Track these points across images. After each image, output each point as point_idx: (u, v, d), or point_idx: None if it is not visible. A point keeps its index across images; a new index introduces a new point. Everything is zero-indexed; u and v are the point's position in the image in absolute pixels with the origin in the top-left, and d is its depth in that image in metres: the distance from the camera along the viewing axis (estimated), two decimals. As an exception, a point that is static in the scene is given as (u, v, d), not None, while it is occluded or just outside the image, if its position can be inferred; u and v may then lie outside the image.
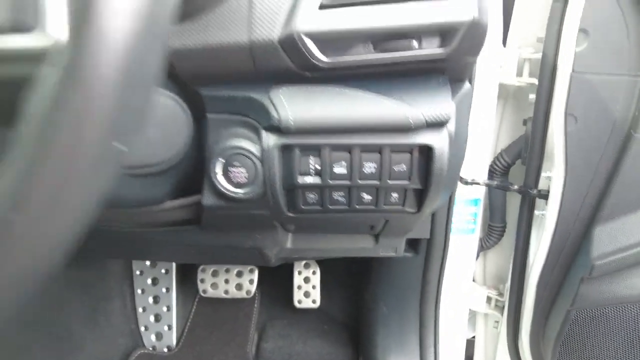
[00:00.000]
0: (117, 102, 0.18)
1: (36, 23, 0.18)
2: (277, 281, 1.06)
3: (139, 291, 1.12)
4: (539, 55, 0.71)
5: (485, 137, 0.78)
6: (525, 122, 0.78)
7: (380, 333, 0.91)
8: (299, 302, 1.02)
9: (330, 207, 0.51)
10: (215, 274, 1.03)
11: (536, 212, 0.74)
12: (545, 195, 0.71)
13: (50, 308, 0.88)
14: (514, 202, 0.85)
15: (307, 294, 1.02)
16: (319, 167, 0.47)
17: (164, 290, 1.11)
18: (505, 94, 0.80)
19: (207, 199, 0.51)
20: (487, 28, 0.44)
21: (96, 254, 0.83)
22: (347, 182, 0.48)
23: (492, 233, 0.88)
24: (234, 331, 1.09)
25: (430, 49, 0.44)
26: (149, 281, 1.12)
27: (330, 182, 0.48)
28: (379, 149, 0.46)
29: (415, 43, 0.44)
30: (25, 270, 0.19)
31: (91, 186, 0.19)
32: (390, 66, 0.45)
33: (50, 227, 0.19)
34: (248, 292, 1.01)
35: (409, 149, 0.46)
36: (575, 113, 0.62)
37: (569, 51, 0.61)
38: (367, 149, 0.46)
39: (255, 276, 1.01)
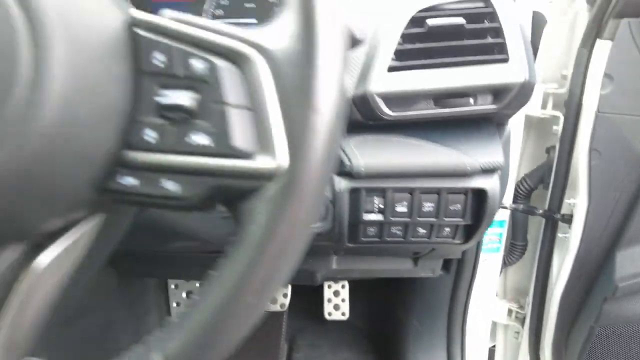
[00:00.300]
0: (319, 199, 0.24)
1: (268, 152, 0.24)
2: (307, 294, 1.12)
3: (174, 304, 1.17)
4: (562, 91, 0.78)
5: (511, 163, 0.84)
6: (547, 151, 0.84)
7: (411, 346, 0.97)
8: (329, 314, 1.08)
9: (388, 239, 0.57)
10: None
11: (559, 235, 0.80)
12: (568, 220, 0.78)
13: (101, 325, 0.93)
14: (532, 222, 0.92)
15: (336, 307, 1.08)
16: (382, 206, 0.53)
17: (197, 303, 1.16)
18: (529, 124, 0.86)
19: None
20: (534, 86, 0.50)
21: (161, 275, 0.90)
22: (407, 219, 0.54)
23: (514, 251, 0.95)
24: (265, 342, 1.14)
25: (484, 105, 0.50)
26: (184, 294, 1.17)
27: (392, 219, 0.54)
28: (437, 191, 0.52)
29: (471, 100, 0.50)
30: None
31: (294, 259, 0.25)
32: (447, 117, 0.51)
33: (266, 298, 0.25)
34: (282, 305, 1.07)
35: (465, 191, 0.52)
36: (599, 148, 0.68)
37: (594, 93, 0.67)
38: (426, 191, 0.52)
39: (289, 290, 1.07)
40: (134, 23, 0.26)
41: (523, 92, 0.49)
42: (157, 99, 0.25)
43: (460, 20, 0.49)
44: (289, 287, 1.07)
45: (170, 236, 0.62)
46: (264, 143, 0.24)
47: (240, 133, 0.24)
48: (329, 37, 0.24)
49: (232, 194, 0.25)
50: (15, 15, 0.23)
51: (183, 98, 0.24)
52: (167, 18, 0.26)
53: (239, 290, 0.24)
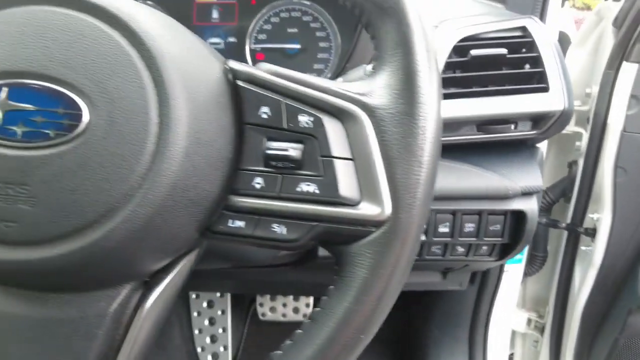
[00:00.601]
0: (419, 242, 0.27)
1: (373, 200, 0.26)
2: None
3: (195, 314, 1.19)
4: (585, 108, 0.80)
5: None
6: (570, 165, 0.86)
7: (431, 354, 0.99)
8: (350, 323, 1.09)
9: (427, 257, 0.59)
10: (273, 298, 1.11)
11: (582, 248, 0.83)
12: (591, 234, 0.80)
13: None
14: (551, 234, 0.94)
15: (358, 316, 1.10)
16: (425, 227, 0.55)
17: (219, 312, 1.18)
18: (551, 138, 0.88)
19: (323, 250, 0.58)
20: (573, 114, 0.52)
21: (208, 288, 0.93)
22: (448, 239, 0.56)
23: (534, 261, 0.97)
24: (285, 350, 1.16)
25: (524, 131, 0.52)
26: (205, 304, 1.19)
27: (434, 239, 0.56)
28: (478, 212, 0.54)
29: (512, 126, 0.52)
30: None
31: (395, 297, 0.27)
32: (487, 141, 0.53)
33: (369, 334, 0.27)
34: (305, 315, 1.09)
35: (504, 212, 0.54)
36: (624, 166, 0.71)
37: (619, 113, 0.70)
38: (468, 212, 0.54)
39: (311, 299, 1.09)
40: (235, 76, 0.28)
41: (562, 119, 0.51)
42: (266, 149, 0.27)
43: (503, 51, 0.51)
44: (312, 298, 1.09)
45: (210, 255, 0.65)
46: (369, 192, 0.26)
47: (345, 183, 0.26)
48: (429, 94, 0.26)
49: (336, 238, 0.27)
50: (144, 76, 0.25)
51: (291, 150, 0.26)
52: (266, 71, 0.28)
53: (345, 327, 0.26)
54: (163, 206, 0.24)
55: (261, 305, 1.10)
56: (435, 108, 0.26)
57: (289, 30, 0.61)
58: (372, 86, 0.27)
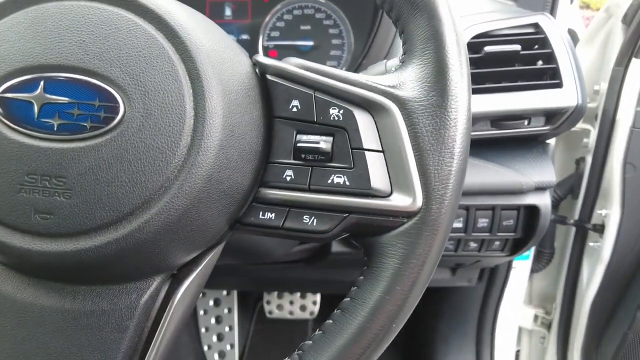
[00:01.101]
0: (449, 233, 0.27)
1: (404, 192, 0.27)
2: (335, 300, 1.14)
3: (202, 312, 1.19)
4: (593, 105, 0.80)
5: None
6: (577, 162, 0.87)
7: (439, 351, 0.99)
8: (357, 321, 1.10)
9: (440, 253, 0.59)
10: (280, 295, 1.11)
11: (590, 244, 0.83)
12: (599, 230, 0.80)
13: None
14: (558, 230, 0.94)
15: (365, 314, 1.10)
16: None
17: (225, 310, 1.18)
18: (558, 135, 0.89)
19: (336, 246, 0.59)
20: (586, 109, 0.53)
21: (216, 285, 0.93)
22: (461, 235, 0.56)
23: (541, 258, 0.97)
24: (292, 348, 1.16)
25: (538, 126, 0.53)
26: (211, 303, 1.19)
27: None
28: (492, 208, 0.55)
29: (525, 122, 0.52)
30: None
31: (425, 287, 0.28)
32: (500, 137, 0.54)
33: (399, 322, 0.27)
34: (312, 312, 1.09)
35: (518, 207, 0.55)
36: (634, 162, 0.71)
37: (629, 109, 0.70)
38: (481, 207, 0.55)
39: (318, 297, 1.09)
40: (264, 70, 0.29)
41: (575, 115, 0.52)
42: (296, 142, 0.27)
43: (517, 47, 0.51)
44: (318, 295, 1.09)
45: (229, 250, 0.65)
46: (400, 184, 0.26)
47: (376, 175, 0.27)
48: (460, 86, 0.26)
49: (367, 229, 0.27)
50: (179, 69, 0.25)
51: (321, 142, 0.27)
52: (295, 65, 0.28)
53: (376, 316, 0.26)
54: (197, 198, 0.25)
55: (268, 303, 1.10)
56: (466, 100, 0.26)
57: (302, 27, 0.61)
58: (402, 79, 0.27)
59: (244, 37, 0.62)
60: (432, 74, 0.26)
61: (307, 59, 0.63)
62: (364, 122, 0.27)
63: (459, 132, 0.26)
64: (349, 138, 0.27)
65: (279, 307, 1.11)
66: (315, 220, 0.27)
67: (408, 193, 0.26)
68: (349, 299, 0.28)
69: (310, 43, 0.61)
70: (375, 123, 0.27)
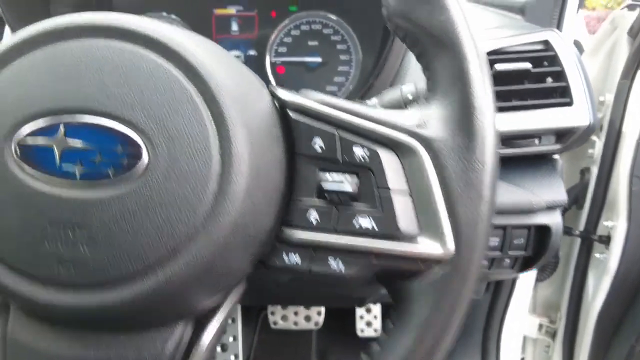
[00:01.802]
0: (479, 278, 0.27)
1: (433, 236, 0.26)
2: (339, 311, 1.14)
3: (205, 322, 1.18)
4: (599, 116, 0.80)
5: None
6: (582, 172, 0.87)
7: (445, 360, 0.99)
8: (362, 331, 1.09)
9: (449, 270, 0.59)
10: (284, 306, 1.11)
11: (597, 255, 0.83)
12: (605, 241, 0.80)
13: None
14: (562, 240, 0.94)
15: (369, 324, 1.10)
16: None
17: (229, 321, 1.18)
18: (563, 146, 0.89)
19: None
20: (596, 128, 0.53)
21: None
22: (472, 253, 0.56)
23: (546, 267, 0.97)
24: (296, 358, 1.16)
25: (548, 145, 0.52)
26: (215, 312, 1.18)
27: (458, 253, 0.56)
28: (503, 227, 0.54)
29: (536, 140, 0.52)
30: None
31: (455, 332, 0.27)
32: (511, 155, 0.53)
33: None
34: (316, 323, 1.09)
35: (529, 227, 0.54)
36: (640, 175, 0.71)
37: (635, 122, 0.70)
38: (493, 226, 0.54)
39: (322, 308, 1.09)
40: (284, 105, 0.28)
41: (586, 134, 0.51)
42: (321, 182, 0.27)
43: (527, 65, 0.51)
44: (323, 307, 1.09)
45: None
46: (429, 227, 0.26)
47: (404, 217, 0.26)
48: (488, 128, 0.26)
49: (395, 274, 0.27)
50: (203, 113, 0.24)
51: (347, 183, 0.26)
52: (317, 101, 0.28)
53: None
54: (224, 245, 0.24)
55: (272, 313, 1.10)
56: (493, 141, 0.26)
57: (310, 43, 0.60)
58: (426, 117, 0.27)
59: (251, 52, 0.62)
60: (458, 114, 0.26)
61: (315, 75, 0.63)
62: (389, 162, 0.26)
63: (487, 173, 0.26)
64: (375, 178, 0.26)
65: (284, 317, 1.10)
66: (342, 263, 0.27)
67: (437, 238, 0.26)
68: (378, 347, 0.27)
69: (319, 59, 0.60)
70: (401, 163, 0.27)
